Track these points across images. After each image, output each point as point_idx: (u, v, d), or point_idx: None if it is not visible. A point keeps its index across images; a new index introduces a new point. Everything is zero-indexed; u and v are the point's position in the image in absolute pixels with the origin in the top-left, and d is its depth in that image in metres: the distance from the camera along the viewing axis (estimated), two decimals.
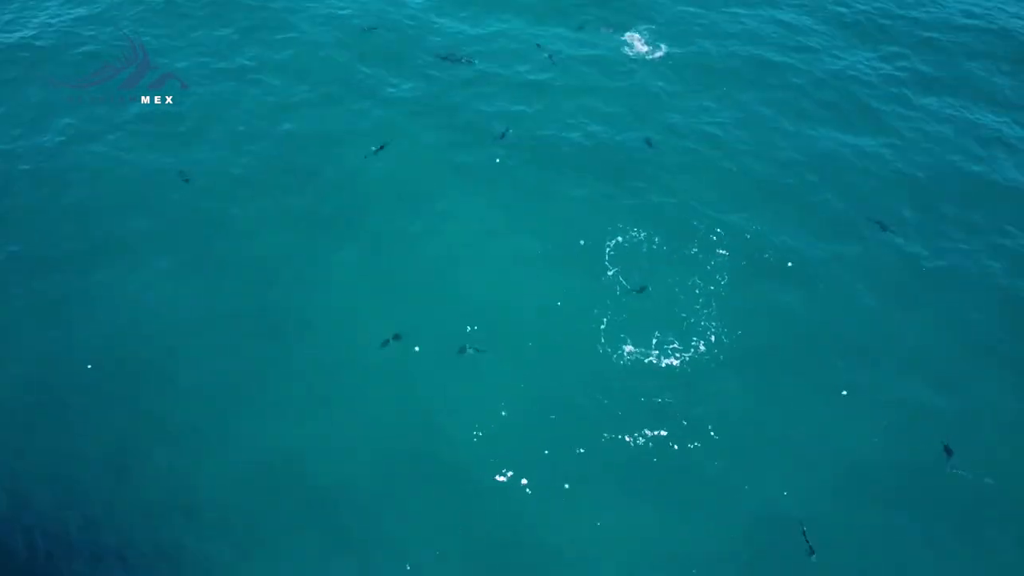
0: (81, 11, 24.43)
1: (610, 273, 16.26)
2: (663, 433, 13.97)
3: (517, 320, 15.75)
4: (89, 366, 15.09)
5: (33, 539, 12.95)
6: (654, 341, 15.04)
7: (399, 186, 18.63)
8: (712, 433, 13.98)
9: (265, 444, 13.92)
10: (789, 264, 16.93)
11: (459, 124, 20.41)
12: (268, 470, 13.62)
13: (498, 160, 19.25)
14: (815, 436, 14.08)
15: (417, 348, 15.21)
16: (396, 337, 15.20)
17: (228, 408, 14.49)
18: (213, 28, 23.86)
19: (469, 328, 15.50)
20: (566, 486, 13.33)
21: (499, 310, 15.90)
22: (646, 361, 14.91)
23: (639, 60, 22.68)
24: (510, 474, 13.47)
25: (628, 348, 15.01)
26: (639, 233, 17.31)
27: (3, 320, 15.91)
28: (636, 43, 23.09)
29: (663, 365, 14.91)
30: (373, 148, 19.39)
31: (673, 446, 13.85)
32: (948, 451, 13.20)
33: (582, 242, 17.20)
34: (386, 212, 17.99)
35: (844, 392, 14.71)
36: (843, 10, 25.10)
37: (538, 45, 22.96)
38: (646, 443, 13.86)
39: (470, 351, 15.01)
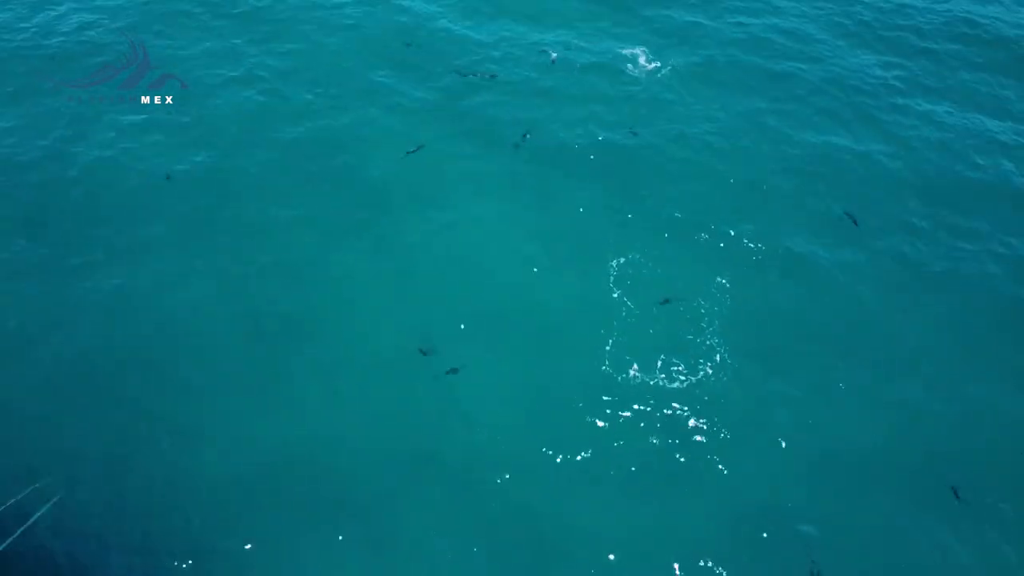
0: (88, 15, 24.48)
1: (615, 295, 16.22)
2: (670, 441, 14.03)
3: (523, 330, 15.81)
4: (101, 366, 15.16)
5: (49, 533, 12.98)
6: (659, 362, 15.00)
7: (411, 191, 18.67)
8: (720, 439, 14.07)
9: (269, 444, 13.95)
10: (794, 272, 17.00)
11: (469, 131, 20.44)
12: (271, 469, 13.64)
13: (512, 172, 19.25)
14: (821, 440, 14.16)
15: (427, 354, 15.24)
16: (424, 352, 15.18)
17: (237, 407, 14.54)
18: (222, 35, 23.94)
19: (474, 336, 15.59)
20: (573, 483, 13.44)
21: (502, 321, 15.94)
22: (651, 380, 14.89)
23: (646, 70, 22.68)
24: (519, 474, 13.54)
25: (634, 368, 14.94)
26: (645, 250, 17.19)
27: (19, 325, 15.95)
28: (642, 54, 23.08)
29: (669, 374, 14.95)
30: (410, 149, 19.45)
31: (677, 452, 13.91)
32: (956, 494, 13.15)
33: (589, 258, 17.20)
34: (394, 218, 17.99)
35: (848, 398, 14.78)
36: (846, 21, 25.24)
37: (544, 51, 23.03)
38: (653, 448, 13.92)
39: (457, 368, 14.90)
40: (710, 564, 12.50)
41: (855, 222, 17.96)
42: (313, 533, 12.90)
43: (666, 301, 16.01)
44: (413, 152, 19.40)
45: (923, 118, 21.26)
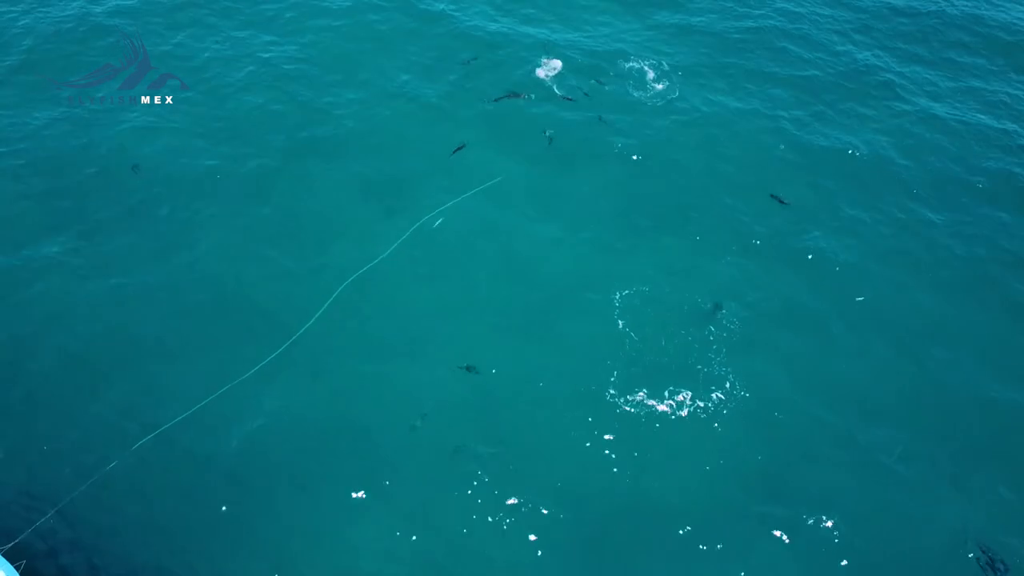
0: (88, 14, 24.26)
1: (620, 324, 16.23)
2: (685, 435, 14.43)
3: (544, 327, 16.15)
4: (109, 361, 15.26)
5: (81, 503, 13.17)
6: (666, 392, 15.10)
7: (420, 195, 18.61)
8: (732, 436, 14.47)
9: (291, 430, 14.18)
10: (797, 273, 17.29)
11: (482, 136, 20.40)
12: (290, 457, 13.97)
13: (530, 176, 19.31)
14: (833, 440, 14.55)
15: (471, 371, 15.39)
16: (469, 368, 15.25)
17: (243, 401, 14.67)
18: (224, 36, 23.71)
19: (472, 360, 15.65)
20: (591, 475, 13.85)
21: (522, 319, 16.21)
22: (657, 405, 15.01)
23: (654, 76, 22.63)
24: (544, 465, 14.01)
25: (643, 392, 15.03)
26: (652, 281, 17.10)
27: (24, 325, 15.89)
28: (651, 60, 23.07)
29: (679, 384, 15.19)
30: (456, 147, 19.63)
31: (686, 449, 14.25)
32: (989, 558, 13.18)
33: (600, 259, 17.47)
34: (401, 222, 17.92)
35: (853, 399, 15.13)
36: (849, 27, 25.46)
37: (552, 58, 23.13)
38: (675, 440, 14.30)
39: (422, 417, 14.61)
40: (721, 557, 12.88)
41: (782, 202, 18.50)
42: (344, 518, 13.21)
43: (717, 307, 16.27)
44: (456, 151, 19.58)
45: (927, 121, 21.53)
